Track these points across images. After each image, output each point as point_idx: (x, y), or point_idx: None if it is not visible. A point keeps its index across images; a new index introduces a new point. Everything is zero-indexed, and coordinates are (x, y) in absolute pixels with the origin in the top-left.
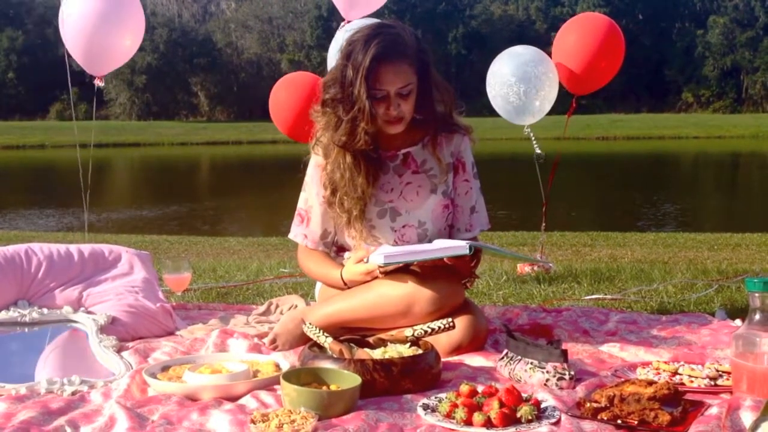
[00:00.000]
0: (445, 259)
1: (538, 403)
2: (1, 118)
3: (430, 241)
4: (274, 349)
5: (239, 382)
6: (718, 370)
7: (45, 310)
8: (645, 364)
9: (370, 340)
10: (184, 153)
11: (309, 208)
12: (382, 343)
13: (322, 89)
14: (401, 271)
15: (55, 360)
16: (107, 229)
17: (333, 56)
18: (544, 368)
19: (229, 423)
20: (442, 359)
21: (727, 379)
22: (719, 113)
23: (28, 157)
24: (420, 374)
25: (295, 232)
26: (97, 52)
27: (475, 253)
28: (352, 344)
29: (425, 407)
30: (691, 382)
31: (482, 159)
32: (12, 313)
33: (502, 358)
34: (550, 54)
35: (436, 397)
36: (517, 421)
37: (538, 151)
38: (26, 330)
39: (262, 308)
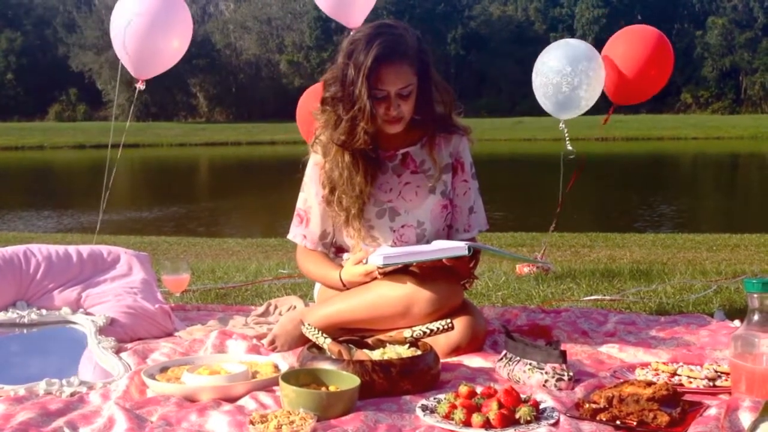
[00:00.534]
0: (444, 260)
1: (536, 404)
2: (0, 120)
3: (428, 241)
4: (273, 350)
5: (238, 383)
6: (716, 371)
7: (44, 312)
8: (644, 365)
9: (369, 341)
10: (183, 154)
11: (308, 208)
12: (381, 344)
13: (322, 87)
14: (400, 272)
15: (54, 361)
16: (106, 230)
17: None
18: (542, 369)
19: (227, 424)
20: (441, 360)
21: (726, 380)
22: (718, 114)
23: (27, 158)
24: (419, 375)
25: (294, 233)
26: (147, 55)
27: (474, 254)
28: (350, 345)
29: (424, 408)
30: (690, 382)
31: (480, 160)
32: (11, 315)
33: (501, 359)
34: None
35: (434, 398)
36: (515, 422)
37: (569, 147)
38: (25, 331)
39: (260, 309)
